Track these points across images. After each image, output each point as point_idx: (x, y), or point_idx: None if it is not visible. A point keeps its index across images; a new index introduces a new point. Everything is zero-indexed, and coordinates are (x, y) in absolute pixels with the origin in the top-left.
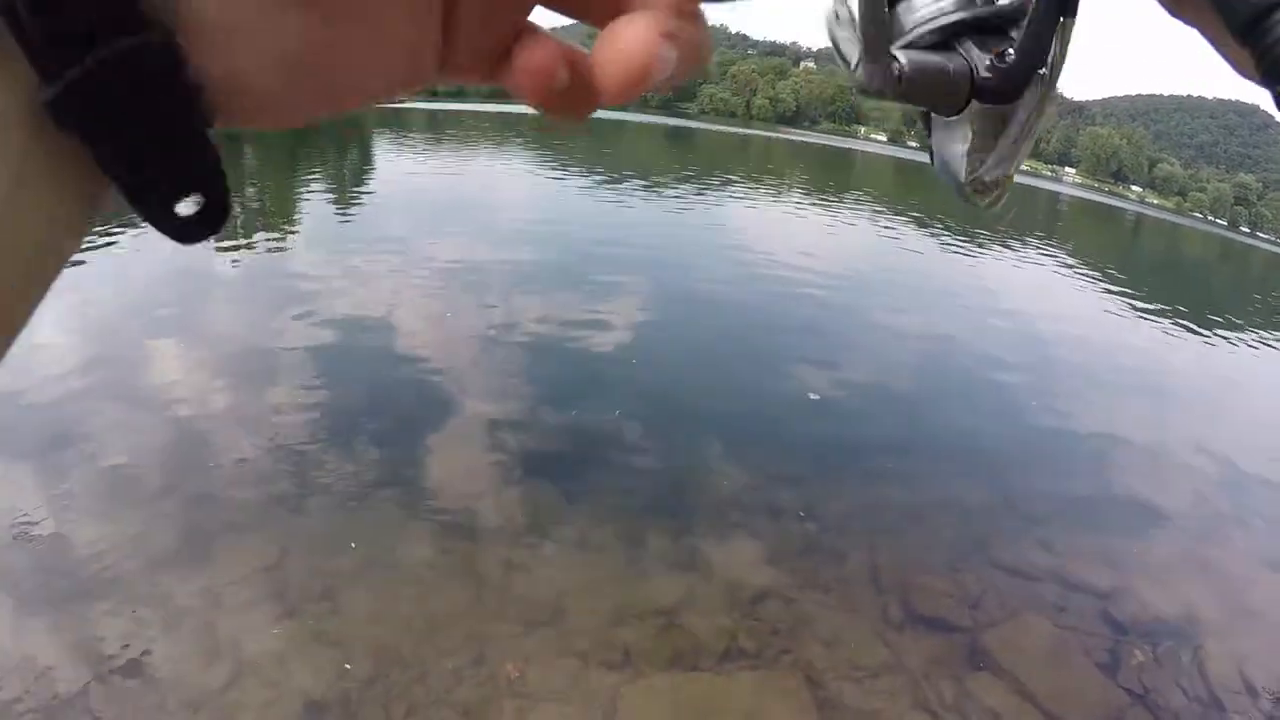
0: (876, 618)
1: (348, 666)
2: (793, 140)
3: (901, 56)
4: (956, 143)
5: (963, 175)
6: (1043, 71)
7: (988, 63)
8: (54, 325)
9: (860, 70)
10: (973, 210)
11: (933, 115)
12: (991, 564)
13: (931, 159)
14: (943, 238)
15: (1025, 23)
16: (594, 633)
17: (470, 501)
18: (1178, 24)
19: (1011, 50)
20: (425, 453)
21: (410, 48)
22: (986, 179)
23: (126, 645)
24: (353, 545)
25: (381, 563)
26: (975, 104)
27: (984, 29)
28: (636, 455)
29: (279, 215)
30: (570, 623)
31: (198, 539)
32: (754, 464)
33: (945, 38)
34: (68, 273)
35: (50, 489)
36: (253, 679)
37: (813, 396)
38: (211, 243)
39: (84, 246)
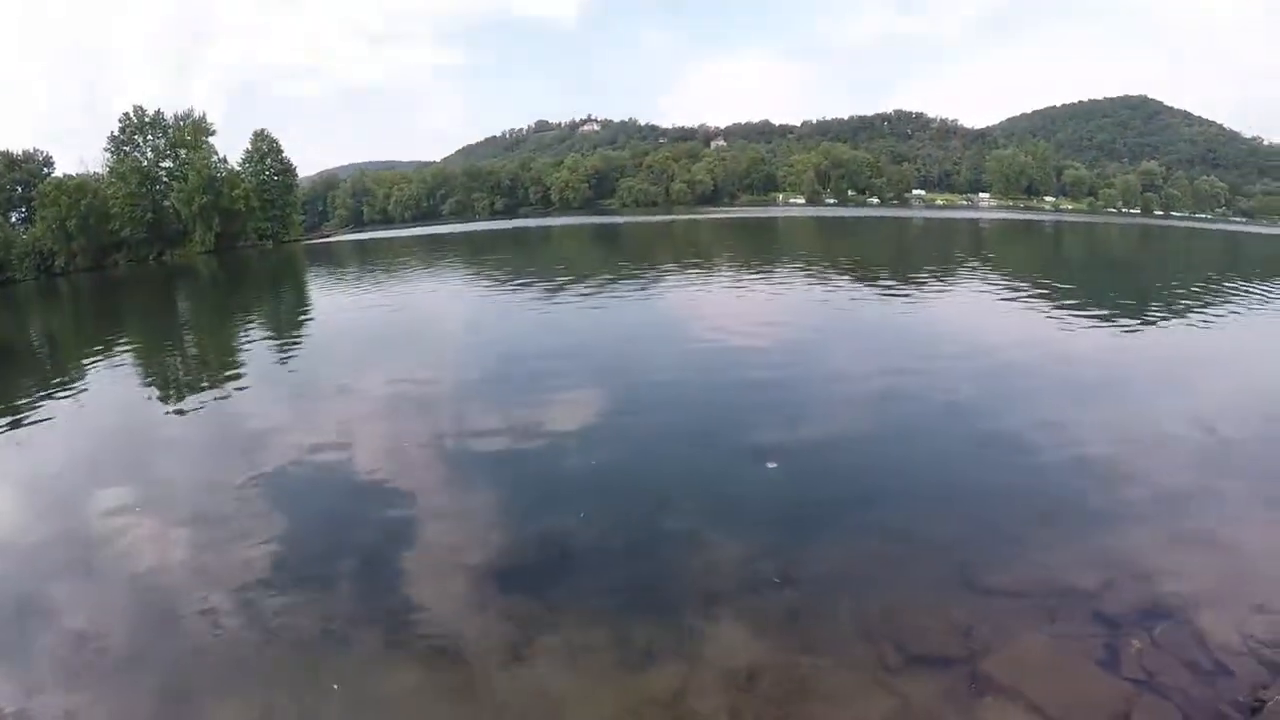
0: (874, 666)
1: None
2: (716, 218)
3: None
4: None
5: None
6: None
7: None
8: (2, 501)
9: None
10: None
11: None
12: (976, 591)
13: None
14: (878, 282)
15: None
16: None
17: (448, 626)
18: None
19: None
20: (398, 582)
21: None
22: None
23: None
24: (336, 687)
25: (369, 700)
26: None
27: None
28: (609, 553)
29: (220, 365)
30: None
31: (175, 708)
32: (726, 542)
33: None
34: (15, 446)
35: (13, 669)
36: None
37: (771, 465)
38: (155, 401)
39: (25, 419)
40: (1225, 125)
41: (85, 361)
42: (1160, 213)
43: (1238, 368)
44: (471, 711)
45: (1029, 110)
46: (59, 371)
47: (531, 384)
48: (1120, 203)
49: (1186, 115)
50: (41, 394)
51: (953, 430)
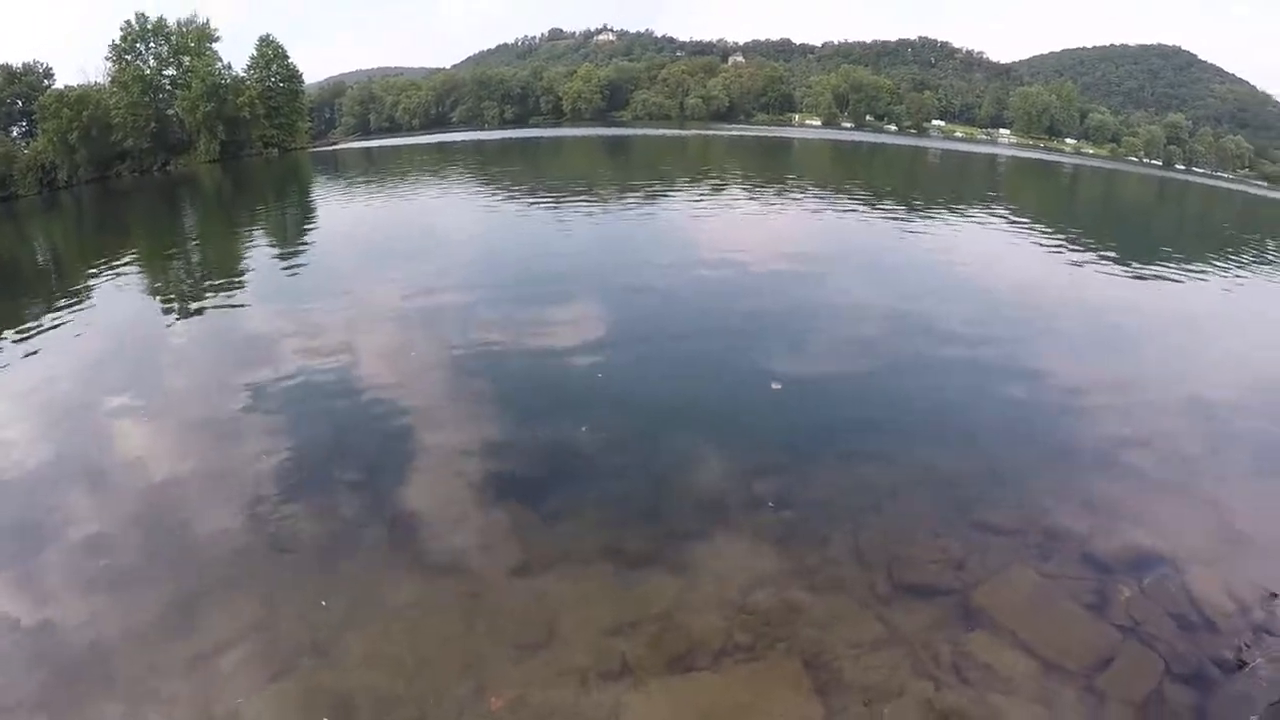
0: (866, 594)
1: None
2: (729, 135)
3: None
4: None
5: None
6: None
7: None
8: (13, 412)
9: None
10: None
11: None
12: (972, 525)
13: None
14: (890, 212)
15: None
16: (589, 647)
17: (451, 534)
18: None
19: None
20: (401, 491)
21: None
22: None
23: None
24: (338, 592)
25: (369, 606)
26: None
27: None
28: (609, 467)
29: (225, 274)
30: (565, 641)
31: (183, 607)
32: (726, 461)
33: None
34: (22, 359)
35: (28, 576)
36: None
37: (775, 386)
38: (159, 309)
39: (33, 332)
40: (1257, 87)
41: (91, 275)
42: (1182, 167)
43: (1248, 331)
44: (469, 620)
45: (1057, 49)
46: (65, 286)
47: (539, 297)
48: (1142, 152)
49: (1219, 71)
50: (48, 309)
51: (956, 367)
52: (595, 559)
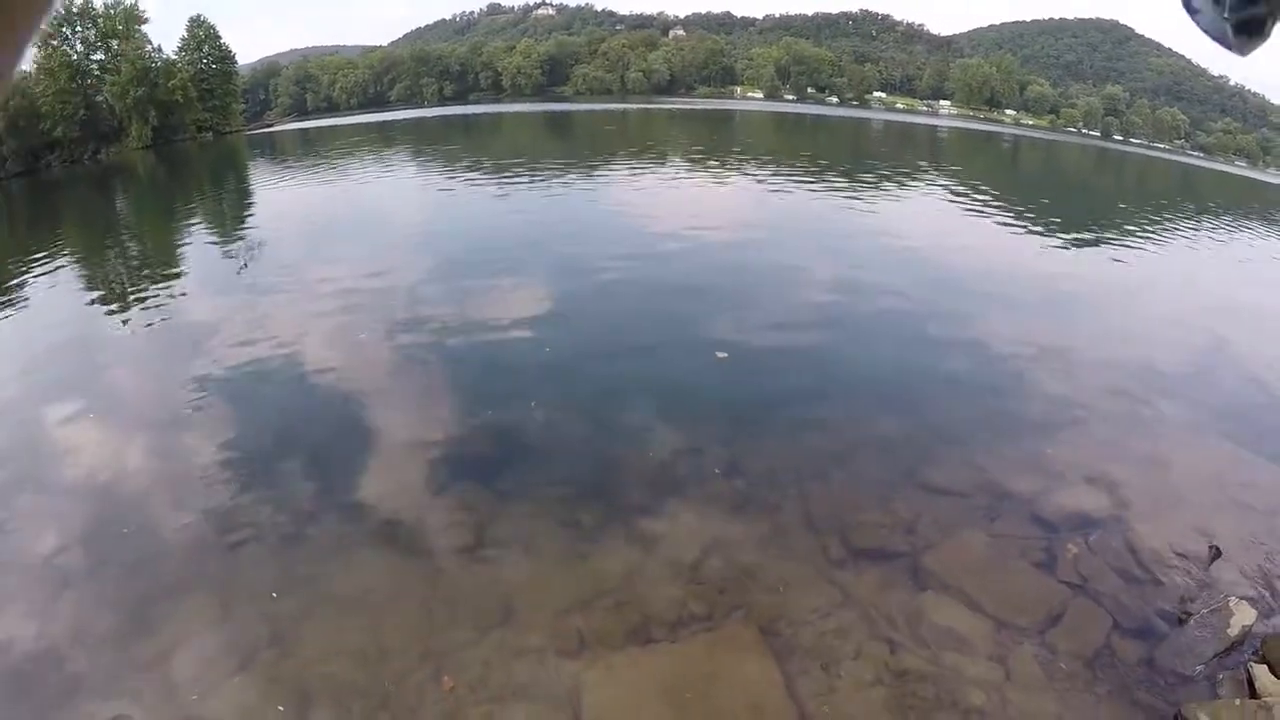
0: (818, 559)
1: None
2: (671, 108)
3: None
4: None
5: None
6: None
7: None
8: None
9: None
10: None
11: None
12: (920, 489)
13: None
14: (834, 183)
15: None
16: (546, 625)
17: (403, 518)
18: None
19: None
20: (351, 478)
21: None
22: (1249, 19)
23: None
24: (294, 583)
25: (324, 596)
26: None
27: None
28: (559, 443)
29: (164, 265)
30: (522, 620)
31: (139, 610)
32: (674, 432)
33: None
34: None
35: None
36: None
37: (721, 355)
38: (96, 305)
39: None
40: (1193, 61)
41: (22, 273)
42: (1119, 138)
43: (1183, 297)
44: (425, 603)
45: (997, 22)
46: None
47: (484, 276)
48: (1081, 123)
49: (1157, 46)
50: None
51: (900, 334)
52: (549, 536)
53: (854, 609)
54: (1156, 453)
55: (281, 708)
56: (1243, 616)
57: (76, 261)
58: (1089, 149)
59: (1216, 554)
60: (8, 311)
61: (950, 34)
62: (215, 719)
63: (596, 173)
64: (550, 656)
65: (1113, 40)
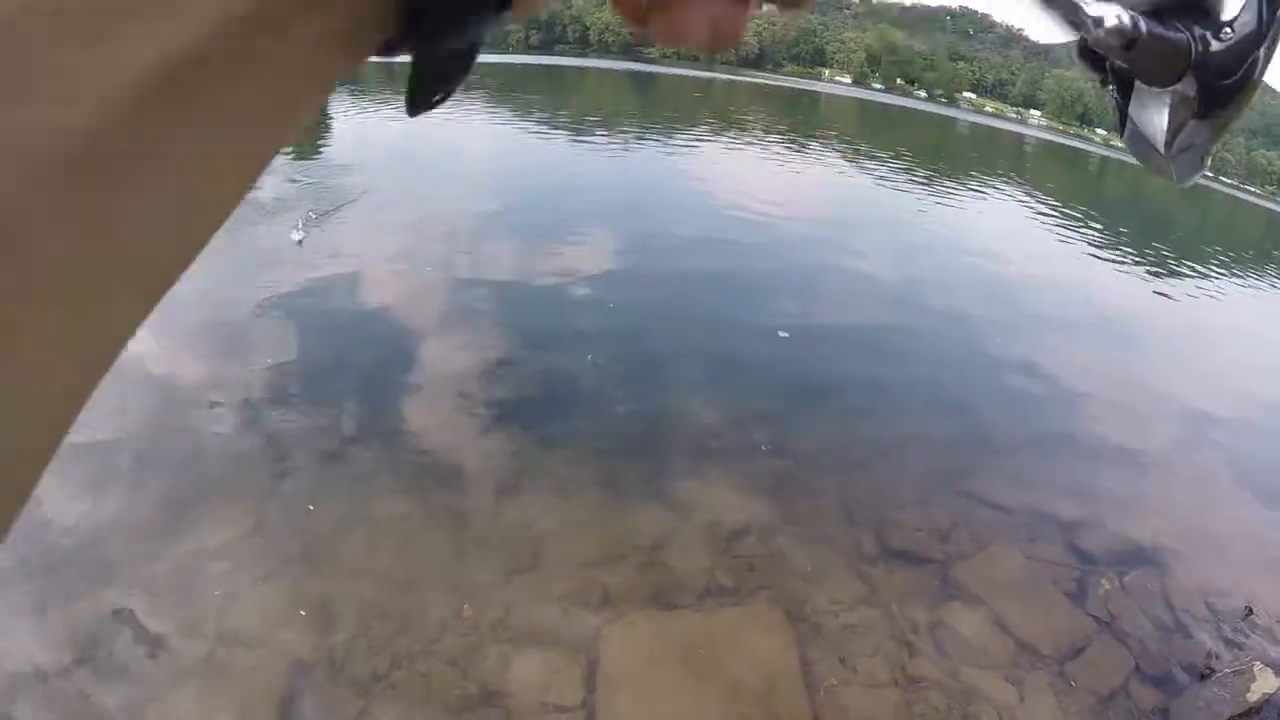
0: (851, 551)
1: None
2: (756, 83)
3: (1141, 21)
4: (1157, 114)
5: (1161, 147)
6: (1259, 52)
7: (1208, 38)
8: None
9: (1092, 26)
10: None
11: (1136, 84)
12: (962, 497)
13: (1122, 129)
14: (912, 180)
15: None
16: (573, 575)
17: (446, 452)
18: None
19: (1230, 28)
20: (398, 406)
21: None
22: (1188, 152)
23: (112, 622)
24: (330, 503)
25: (360, 519)
26: (1188, 77)
27: (1194, 6)
28: (611, 398)
29: None
30: (549, 567)
31: (176, 509)
32: (728, 403)
33: (1156, 9)
34: None
35: None
36: (238, 644)
37: (782, 335)
38: None
39: None
40: None
41: None
42: (1210, 174)
43: (1259, 350)
44: (457, 538)
45: None
46: None
47: (555, 226)
48: None
49: (1267, 86)
50: None
51: (963, 341)
52: (587, 489)
53: (879, 607)
54: (1205, 503)
55: (303, 612)
56: (1265, 683)
57: None
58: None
59: (1249, 614)
60: None
61: (1049, 42)
62: (235, 618)
63: (675, 139)
64: (573, 607)
65: None
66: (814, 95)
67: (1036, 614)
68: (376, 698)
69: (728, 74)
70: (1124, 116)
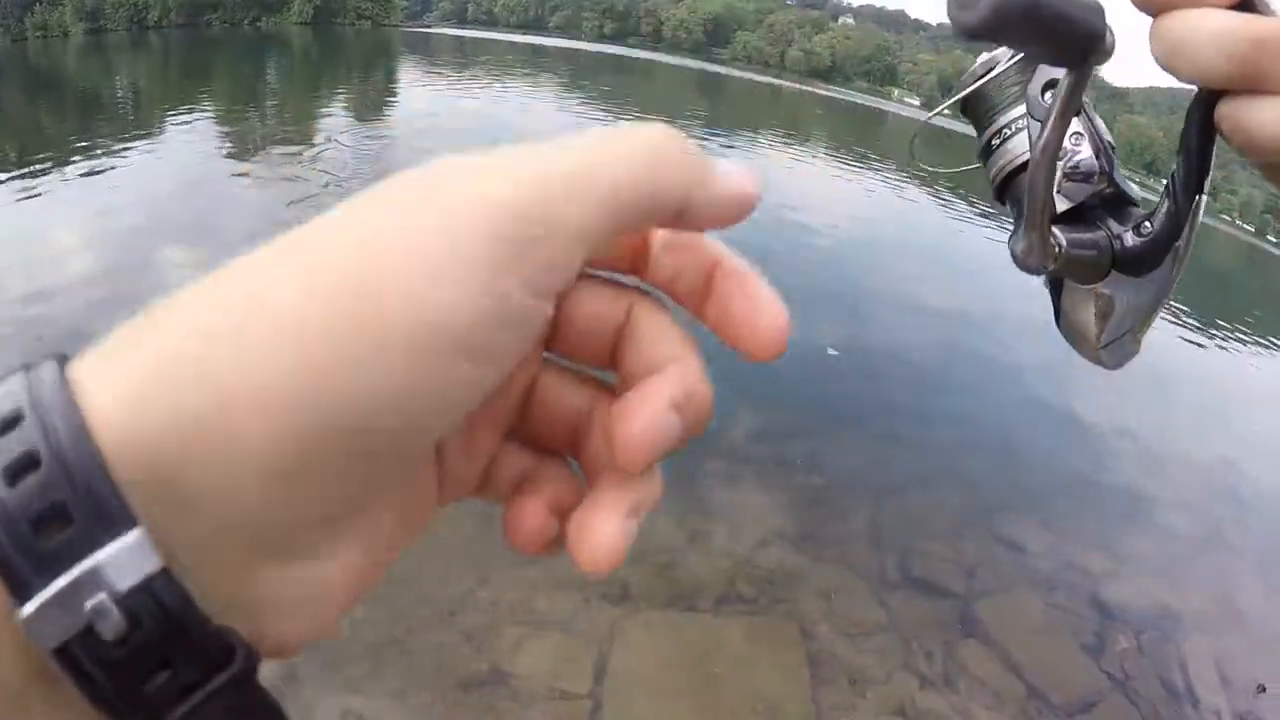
0: (874, 576)
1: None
2: (825, 95)
3: (1059, 234)
4: (1085, 309)
5: (1093, 339)
6: (1179, 243)
7: (1129, 234)
8: (73, 234)
9: (1018, 243)
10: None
11: (1065, 281)
12: (991, 535)
13: (1058, 320)
14: (968, 210)
15: (1166, 197)
16: None
17: None
18: None
19: (1149, 223)
20: None
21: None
22: (1118, 340)
23: None
24: None
25: None
26: (1112, 274)
27: (1114, 202)
28: None
29: (298, 136)
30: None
31: None
32: (765, 413)
33: (1081, 209)
34: (84, 183)
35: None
36: None
37: (831, 352)
38: (227, 164)
39: (96, 154)
40: None
41: (167, 116)
42: (1273, 239)
43: None
44: (487, 519)
45: (1174, 86)
46: (141, 123)
47: None
48: (1237, 213)
49: None
50: (119, 142)
51: (1004, 381)
52: None
53: (895, 635)
54: (1230, 574)
55: None
56: None
57: (217, 118)
58: (1239, 243)
59: (1261, 691)
60: (145, 152)
61: (1124, 86)
62: None
63: (738, 143)
64: (593, 598)
65: None
66: (881, 114)
67: (1051, 662)
68: (386, 663)
69: (795, 83)
70: (1058, 310)
